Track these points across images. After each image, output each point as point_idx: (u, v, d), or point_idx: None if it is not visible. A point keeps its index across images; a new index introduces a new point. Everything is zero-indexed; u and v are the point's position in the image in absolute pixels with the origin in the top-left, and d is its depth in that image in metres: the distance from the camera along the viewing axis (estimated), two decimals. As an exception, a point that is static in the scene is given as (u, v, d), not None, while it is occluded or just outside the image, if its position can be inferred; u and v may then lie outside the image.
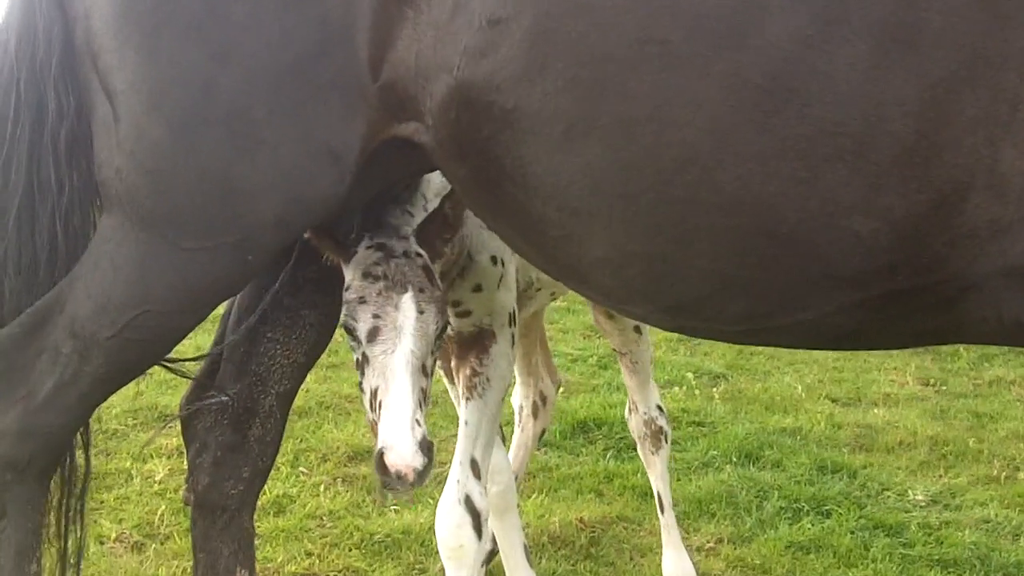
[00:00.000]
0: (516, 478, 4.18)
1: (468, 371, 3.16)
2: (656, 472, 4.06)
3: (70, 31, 2.51)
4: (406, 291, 2.70)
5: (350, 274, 2.75)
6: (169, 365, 2.83)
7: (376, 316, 2.68)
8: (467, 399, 3.17)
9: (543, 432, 4.34)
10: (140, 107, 2.37)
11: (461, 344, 3.19)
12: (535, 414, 4.29)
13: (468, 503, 3.12)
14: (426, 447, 2.59)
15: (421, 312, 2.69)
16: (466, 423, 3.17)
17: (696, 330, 2.51)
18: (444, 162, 2.42)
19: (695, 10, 2.05)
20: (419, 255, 2.76)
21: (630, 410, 4.12)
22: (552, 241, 2.33)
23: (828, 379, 7.05)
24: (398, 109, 2.34)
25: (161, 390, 6.20)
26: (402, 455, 2.55)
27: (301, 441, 5.62)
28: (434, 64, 2.25)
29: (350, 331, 2.74)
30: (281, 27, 2.30)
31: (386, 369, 2.66)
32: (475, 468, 3.16)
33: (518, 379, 4.35)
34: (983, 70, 1.95)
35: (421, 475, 2.57)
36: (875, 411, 6.41)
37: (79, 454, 2.77)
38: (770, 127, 2.02)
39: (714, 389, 6.72)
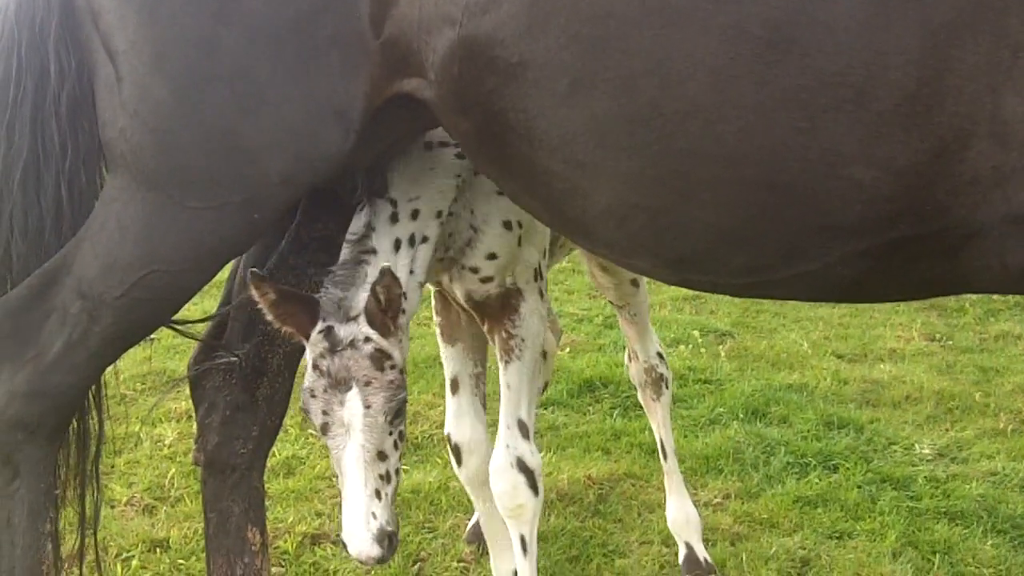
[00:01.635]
0: None
1: (503, 334, 3.19)
2: (657, 419, 4.07)
3: None
4: (350, 388, 2.71)
5: (308, 356, 2.77)
6: (177, 327, 2.84)
7: (324, 412, 2.72)
8: (506, 362, 3.19)
9: (545, 385, 4.33)
10: (143, 67, 2.37)
11: (490, 309, 3.19)
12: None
13: (521, 464, 3.17)
14: (383, 537, 2.69)
15: (368, 407, 2.71)
16: (508, 386, 3.19)
17: (700, 283, 2.51)
18: (447, 117, 2.42)
19: None
20: (368, 339, 2.74)
21: (630, 358, 4.12)
22: (557, 194, 2.34)
23: (834, 335, 7.05)
24: (401, 65, 2.34)
25: (169, 355, 6.23)
26: (359, 548, 2.68)
27: (309, 403, 5.64)
28: (437, 19, 2.24)
29: (306, 418, 2.79)
30: None
31: (340, 463, 2.72)
32: (523, 428, 3.20)
33: None
34: (985, 16, 1.94)
35: (381, 560, 2.71)
36: (881, 366, 6.42)
37: (92, 416, 2.78)
38: (770, 78, 2.02)
39: (720, 347, 6.73)
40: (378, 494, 2.72)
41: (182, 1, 2.34)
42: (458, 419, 3.48)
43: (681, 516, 3.97)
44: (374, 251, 2.83)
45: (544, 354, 4.23)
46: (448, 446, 3.54)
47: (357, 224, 2.85)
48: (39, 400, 2.54)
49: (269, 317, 2.73)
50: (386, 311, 2.75)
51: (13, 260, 2.60)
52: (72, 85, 2.51)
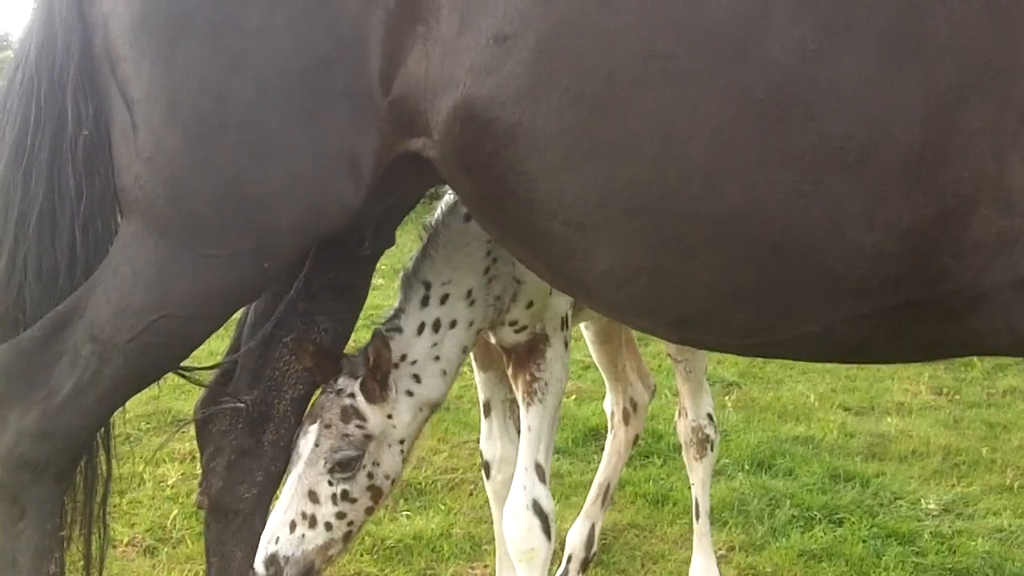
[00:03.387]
0: (609, 485, 4.21)
1: (527, 377, 3.24)
2: (698, 478, 4.05)
3: (89, 38, 2.53)
4: (315, 423, 2.93)
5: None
6: (184, 373, 2.85)
7: (297, 436, 2.96)
8: (528, 404, 3.24)
9: (636, 438, 4.32)
10: (157, 116, 2.40)
11: (520, 353, 3.25)
12: (626, 420, 4.26)
13: (536, 507, 3.21)
14: (272, 563, 2.86)
15: (317, 444, 2.91)
16: (528, 428, 3.24)
17: (702, 343, 2.52)
18: (450, 177, 2.44)
19: (698, 25, 2.07)
20: (351, 394, 2.95)
21: (680, 414, 4.11)
22: (558, 256, 2.35)
23: (841, 388, 7.04)
24: (408, 124, 2.36)
25: (175, 395, 6.22)
26: (256, 562, 2.87)
27: (314, 446, 5.63)
28: (441, 79, 2.26)
29: None
30: (293, 36, 2.33)
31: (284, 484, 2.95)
32: (540, 472, 3.24)
33: (607, 385, 4.34)
34: (991, 80, 1.95)
35: None
36: (888, 420, 6.41)
37: (100, 458, 2.79)
38: (773, 139, 2.03)
39: (727, 397, 6.72)
40: (292, 526, 2.88)
41: (196, 52, 2.37)
42: (489, 439, 3.62)
43: None
44: (400, 330, 3.05)
45: (635, 405, 4.24)
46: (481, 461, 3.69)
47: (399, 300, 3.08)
48: (48, 441, 2.55)
49: (307, 364, 2.94)
50: (373, 373, 2.93)
51: (26, 303, 2.62)
52: (89, 131, 2.53)
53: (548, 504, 3.22)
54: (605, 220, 2.20)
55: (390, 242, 2.97)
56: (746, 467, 5.53)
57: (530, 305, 3.19)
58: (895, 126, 1.98)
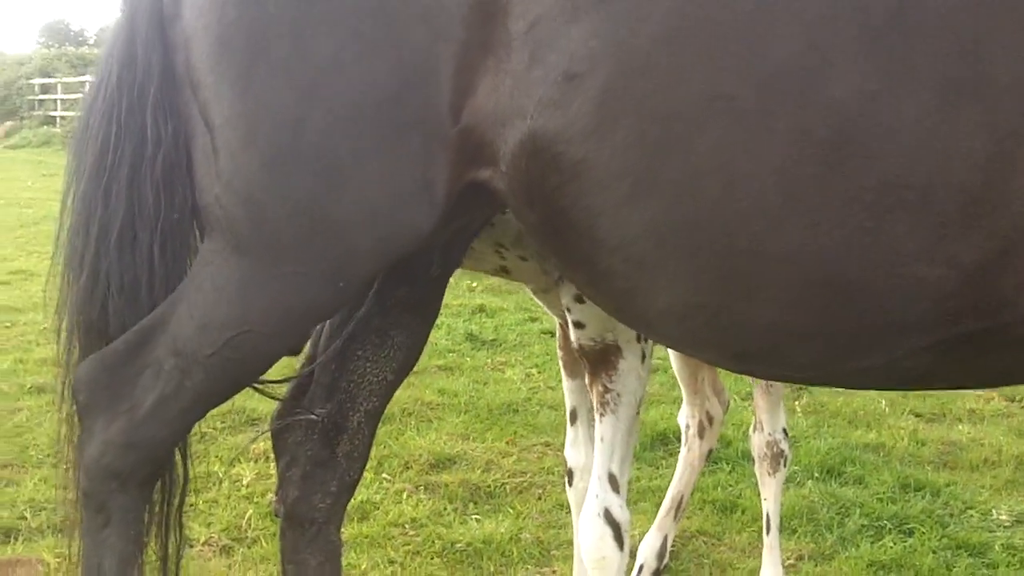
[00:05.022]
0: (682, 498, 4.23)
1: (600, 388, 3.26)
2: (769, 492, 4.06)
3: (171, 59, 2.60)
4: None
5: None
6: (260, 388, 2.92)
7: None
8: (601, 415, 3.27)
9: (710, 452, 4.35)
10: (236, 142, 2.47)
11: (591, 361, 3.28)
12: (701, 434, 4.28)
13: (608, 516, 3.23)
14: None
15: None
16: (602, 439, 3.27)
17: (765, 375, 2.54)
18: (516, 208, 2.48)
19: (761, 67, 2.09)
20: None
21: (755, 428, 4.12)
22: (618, 291, 2.38)
23: (912, 394, 6.95)
24: (476, 154, 2.40)
25: (250, 393, 6.28)
26: None
27: (384, 447, 5.71)
28: (510, 112, 2.30)
29: None
30: (363, 70, 2.38)
31: None
32: (613, 482, 3.26)
33: (685, 398, 4.38)
34: None
35: None
36: (960, 427, 6.34)
37: (179, 466, 2.87)
38: (834, 180, 2.05)
39: (796, 402, 6.69)
40: None
41: (272, 82, 2.43)
42: (574, 446, 3.70)
43: None
44: None
45: (710, 419, 4.26)
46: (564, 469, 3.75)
47: None
48: (132, 451, 2.64)
49: None
50: None
51: (110, 316, 2.70)
52: (167, 150, 2.61)
53: (620, 514, 3.24)
54: (666, 257, 2.24)
55: (458, 263, 3.03)
56: (816, 474, 5.51)
57: (580, 300, 3.17)
58: (955, 168, 2.00)
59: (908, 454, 5.91)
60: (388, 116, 2.39)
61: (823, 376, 2.41)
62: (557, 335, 3.70)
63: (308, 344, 3.13)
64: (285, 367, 3.05)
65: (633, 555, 4.21)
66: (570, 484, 3.69)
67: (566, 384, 3.70)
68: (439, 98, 2.38)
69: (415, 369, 6.99)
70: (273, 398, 3.11)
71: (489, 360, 7.80)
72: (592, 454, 3.48)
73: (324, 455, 3.06)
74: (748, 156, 2.10)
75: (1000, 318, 2.08)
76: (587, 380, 3.34)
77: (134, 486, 2.67)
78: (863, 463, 5.68)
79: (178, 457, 2.85)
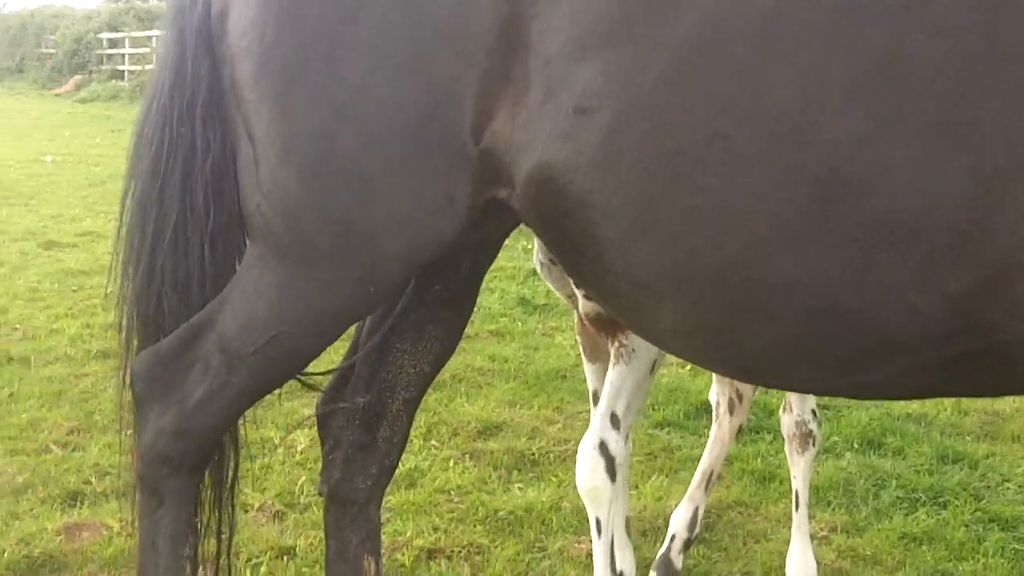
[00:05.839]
0: (712, 472, 4.37)
1: (617, 344, 3.44)
2: (799, 471, 4.16)
3: (218, 71, 2.77)
4: None
5: None
6: (303, 379, 3.11)
7: None
8: (614, 364, 3.45)
9: (740, 428, 4.47)
10: (274, 156, 2.64)
11: (606, 325, 3.44)
12: (731, 410, 4.39)
13: (603, 448, 3.43)
14: None
15: None
16: (610, 383, 3.46)
17: (771, 386, 2.67)
18: (532, 226, 2.66)
19: (759, 110, 2.21)
20: None
21: (784, 409, 4.22)
22: (626, 310, 2.55)
23: (958, 362, 6.98)
24: (495, 175, 2.55)
25: (307, 361, 6.53)
26: None
27: (434, 414, 5.90)
28: (524, 140, 2.45)
29: None
30: (392, 93, 2.53)
31: None
32: (614, 420, 3.45)
33: (714, 376, 4.50)
34: None
35: None
36: (1004, 397, 6.34)
37: (229, 452, 3.07)
38: (827, 217, 2.18)
39: (841, 371, 6.73)
40: None
41: (308, 101, 2.60)
42: None
43: (802, 565, 4.08)
44: None
45: (740, 396, 4.37)
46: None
47: None
48: (183, 439, 2.84)
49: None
50: None
51: (165, 311, 2.91)
52: (215, 158, 2.79)
53: (616, 448, 3.43)
54: (668, 284, 2.38)
55: (487, 265, 3.19)
56: (855, 446, 5.58)
57: None
58: (943, 207, 2.11)
59: (950, 425, 5.96)
60: (415, 136, 2.55)
61: (826, 388, 2.55)
62: (575, 320, 3.82)
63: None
64: (328, 359, 3.23)
65: (666, 524, 4.37)
66: None
67: (587, 368, 3.86)
68: (462, 121, 2.53)
69: (467, 334, 7.20)
70: (316, 389, 3.29)
71: (540, 325, 7.94)
72: None
73: (365, 440, 3.25)
74: (745, 193, 2.24)
75: (991, 340, 2.19)
76: (608, 339, 3.49)
77: (185, 471, 2.88)
78: (903, 434, 5.74)
79: (229, 444, 3.04)
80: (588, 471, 3.44)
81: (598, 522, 3.50)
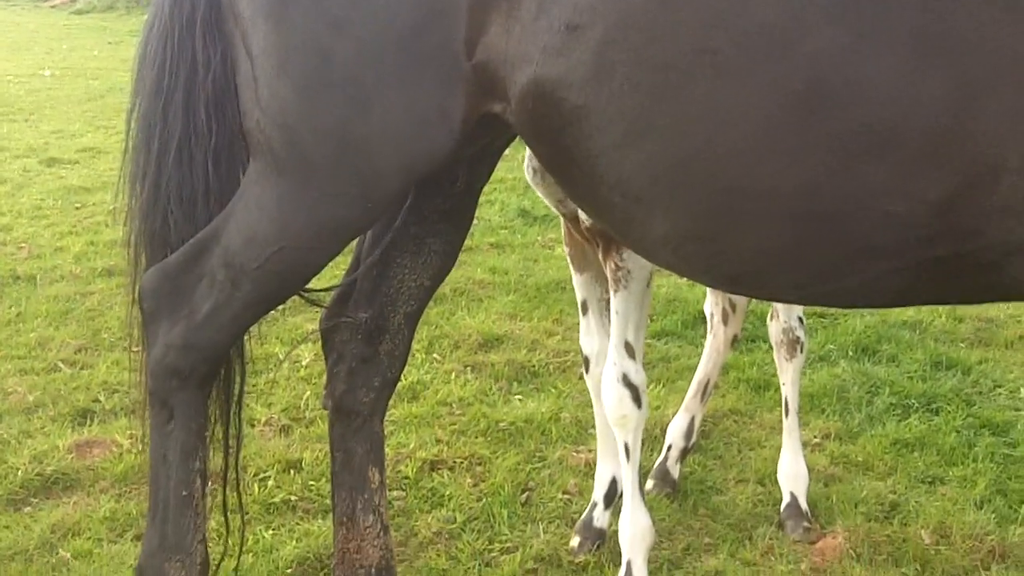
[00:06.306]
0: (709, 382, 4.47)
1: (612, 266, 3.52)
2: (787, 378, 4.24)
3: None
4: None
5: None
6: (306, 296, 3.18)
7: None
8: (615, 291, 3.54)
9: (735, 338, 4.53)
10: (271, 70, 2.69)
11: (602, 240, 3.51)
12: (725, 320, 4.46)
13: (625, 379, 3.57)
14: None
15: None
16: (616, 312, 3.56)
17: (757, 296, 2.75)
18: (527, 140, 2.73)
19: (742, 26, 2.28)
20: None
21: (771, 317, 4.29)
22: (618, 222, 2.62)
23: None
24: (490, 88, 2.60)
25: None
26: None
27: (436, 328, 5.99)
28: (518, 55, 2.50)
29: None
30: (386, 3, 2.58)
31: None
32: (629, 349, 3.58)
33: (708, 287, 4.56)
34: (1014, 67, 2.12)
35: None
36: (999, 304, 6.41)
37: (236, 362, 3.14)
38: (808, 126, 2.26)
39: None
40: None
41: (304, 13, 2.64)
42: (587, 335, 3.95)
43: (792, 471, 4.16)
44: None
45: (733, 306, 4.44)
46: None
47: None
48: (191, 352, 2.92)
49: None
50: None
51: (171, 227, 2.97)
52: (216, 75, 2.84)
53: (637, 377, 3.59)
54: (659, 193, 2.46)
55: (485, 178, 3.23)
56: (850, 353, 5.67)
57: None
58: (920, 114, 2.18)
59: (944, 331, 6.04)
60: (409, 48, 2.59)
61: (808, 296, 2.64)
62: (562, 231, 3.90)
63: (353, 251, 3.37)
64: (331, 275, 3.29)
65: (664, 433, 4.47)
66: (587, 371, 3.96)
67: (575, 278, 3.95)
68: (455, 33, 2.57)
69: (467, 247, 7.28)
70: (319, 305, 3.36)
71: (540, 237, 8.01)
72: (605, 340, 3.74)
73: (368, 353, 3.32)
74: (731, 105, 2.32)
75: (970, 244, 2.28)
76: (601, 259, 3.57)
77: (194, 384, 2.96)
78: (898, 341, 5.83)
79: (235, 358, 3.12)
80: (616, 402, 3.58)
81: (626, 447, 3.62)
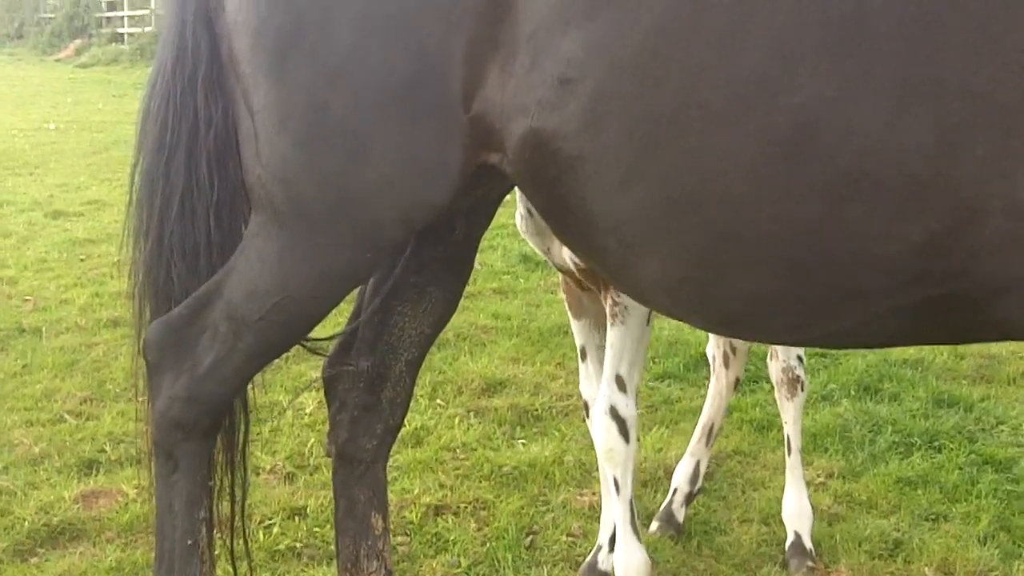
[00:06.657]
0: (713, 426, 4.49)
1: (610, 302, 3.57)
2: (789, 417, 4.27)
3: (217, 46, 2.87)
4: None
5: None
6: (307, 344, 3.22)
7: None
8: (611, 325, 3.58)
9: (737, 381, 4.57)
10: (272, 127, 2.74)
11: (598, 280, 3.55)
12: (727, 363, 4.49)
13: (613, 412, 3.61)
14: None
15: None
16: (611, 346, 3.61)
17: (750, 339, 2.78)
18: (523, 190, 2.78)
19: (729, 77, 2.33)
20: None
21: (771, 356, 4.33)
22: (613, 266, 2.67)
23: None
24: (486, 140, 2.65)
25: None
26: None
27: (439, 373, 6.02)
28: (514, 107, 2.55)
29: None
30: (383, 57, 2.62)
31: None
32: (620, 383, 3.62)
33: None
34: (997, 113, 2.16)
35: None
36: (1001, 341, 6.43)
37: (240, 412, 3.18)
38: (795, 173, 2.30)
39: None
40: None
41: (301, 69, 2.68)
42: (587, 380, 4.01)
43: (796, 509, 4.18)
44: None
45: (734, 349, 4.47)
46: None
47: None
48: (195, 404, 2.95)
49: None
50: None
51: (174, 280, 3.01)
52: (218, 130, 2.89)
53: (626, 411, 3.62)
54: (651, 239, 2.51)
55: (484, 226, 3.28)
56: (852, 392, 5.71)
57: None
58: (906, 158, 2.22)
59: (946, 369, 6.08)
60: (406, 100, 2.64)
61: (805, 338, 2.68)
62: (560, 279, 3.96)
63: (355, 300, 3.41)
64: (334, 322, 3.32)
65: (669, 477, 4.49)
66: (587, 415, 3.99)
67: (574, 324, 4.00)
68: (452, 86, 2.62)
69: (470, 292, 7.31)
70: (321, 354, 3.40)
71: (542, 282, 8.05)
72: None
73: (370, 401, 3.35)
74: (720, 154, 2.36)
75: (959, 283, 2.31)
76: (602, 296, 3.61)
77: (198, 435, 2.99)
78: (900, 379, 5.86)
79: (239, 409, 3.16)
80: (603, 434, 3.62)
81: (615, 481, 3.65)
